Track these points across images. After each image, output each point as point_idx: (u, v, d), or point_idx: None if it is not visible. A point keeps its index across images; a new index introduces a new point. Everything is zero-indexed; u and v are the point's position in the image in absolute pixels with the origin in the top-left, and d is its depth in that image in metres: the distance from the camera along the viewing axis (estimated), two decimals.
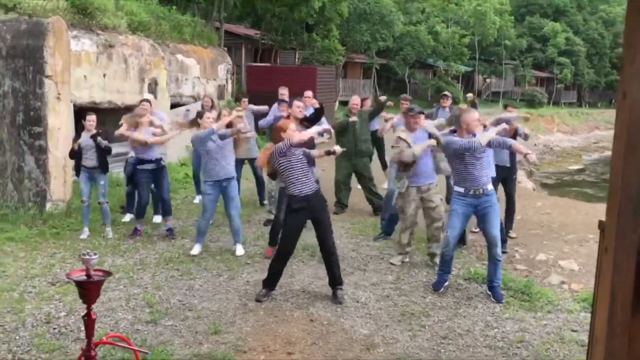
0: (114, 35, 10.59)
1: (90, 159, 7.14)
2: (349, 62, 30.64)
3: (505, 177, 7.26)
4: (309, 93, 8.68)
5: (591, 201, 14.22)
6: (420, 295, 5.62)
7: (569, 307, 5.40)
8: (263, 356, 4.35)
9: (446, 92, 9.51)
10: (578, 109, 47.31)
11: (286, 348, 4.47)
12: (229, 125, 6.91)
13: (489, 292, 5.57)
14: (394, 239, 7.16)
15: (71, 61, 8.59)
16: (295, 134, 5.38)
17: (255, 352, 4.39)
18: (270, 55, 24.83)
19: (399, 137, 6.26)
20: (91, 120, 7.19)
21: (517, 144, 5.74)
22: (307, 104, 7.68)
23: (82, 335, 4.03)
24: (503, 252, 5.97)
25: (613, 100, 51.30)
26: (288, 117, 6.87)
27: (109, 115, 9.83)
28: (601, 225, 2.59)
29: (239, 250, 6.77)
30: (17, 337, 4.53)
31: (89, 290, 3.41)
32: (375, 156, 9.76)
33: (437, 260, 6.18)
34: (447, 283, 5.77)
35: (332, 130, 6.65)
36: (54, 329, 4.70)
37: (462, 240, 6.47)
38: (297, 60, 25.96)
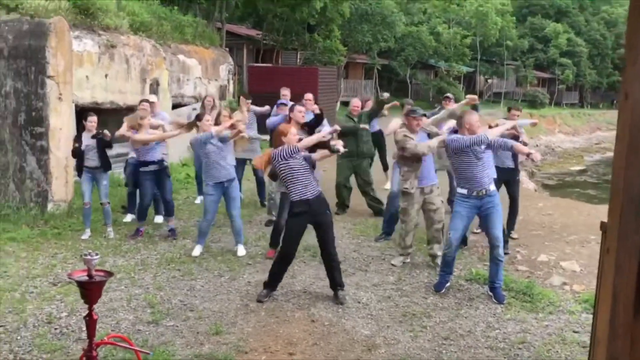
0: (115, 36, 10.59)
1: (92, 160, 7.15)
2: (351, 62, 30.62)
3: (508, 179, 7.25)
4: (309, 96, 8.65)
5: (593, 202, 14.22)
6: (422, 296, 5.61)
7: (570, 308, 5.39)
8: (264, 357, 4.35)
9: (448, 95, 9.51)
10: (580, 109, 47.29)
11: (287, 349, 4.47)
12: (230, 126, 6.92)
13: (491, 293, 5.56)
14: (395, 240, 7.16)
15: (73, 61, 8.60)
16: (296, 138, 5.39)
17: (256, 353, 4.39)
18: (272, 56, 24.83)
19: (406, 135, 6.23)
20: (92, 121, 7.19)
21: (519, 144, 5.73)
22: (307, 107, 7.68)
23: (84, 335, 4.03)
24: (505, 253, 5.96)
25: (615, 101, 51.25)
26: (290, 120, 6.86)
27: (111, 116, 9.84)
28: (603, 226, 2.58)
29: (241, 250, 6.77)
30: (19, 337, 4.53)
31: (90, 290, 3.42)
32: (376, 157, 9.74)
33: (439, 261, 6.18)
34: (448, 284, 5.76)
35: (338, 128, 6.60)
36: (56, 329, 4.70)
37: (463, 241, 6.47)
38: (298, 60, 25.97)
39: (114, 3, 11.56)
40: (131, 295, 5.45)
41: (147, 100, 7.88)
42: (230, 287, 5.75)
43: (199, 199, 9.26)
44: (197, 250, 6.73)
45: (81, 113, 8.15)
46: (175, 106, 12.47)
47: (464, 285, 5.93)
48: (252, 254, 6.78)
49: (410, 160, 6.25)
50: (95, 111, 7.82)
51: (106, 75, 10.25)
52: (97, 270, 3.44)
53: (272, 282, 5.47)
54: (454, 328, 4.91)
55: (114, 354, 4.25)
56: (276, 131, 5.59)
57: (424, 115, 6.56)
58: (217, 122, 7.21)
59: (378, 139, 9.76)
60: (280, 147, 5.31)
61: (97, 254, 3.42)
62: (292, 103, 7.74)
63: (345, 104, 20.72)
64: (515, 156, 7.12)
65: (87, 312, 3.44)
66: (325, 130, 6.12)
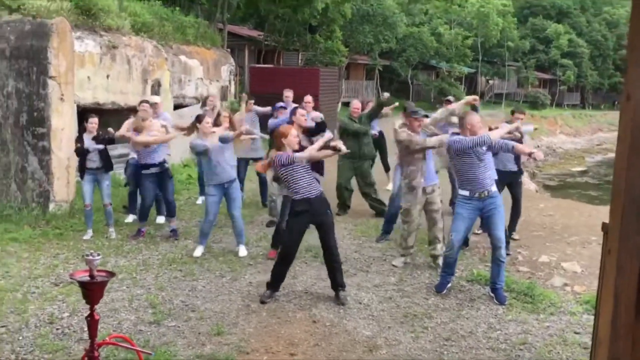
0: (117, 36, 10.60)
1: (93, 161, 7.15)
2: (352, 63, 30.63)
3: (511, 181, 7.24)
4: (308, 99, 8.66)
5: (594, 203, 14.21)
6: (423, 297, 5.61)
7: (571, 309, 5.39)
8: (266, 357, 4.35)
9: (449, 97, 9.49)
10: (581, 110, 47.27)
11: (289, 349, 4.47)
12: (231, 125, 6.92)
13: (492, 294, 5.56)
14: (396, 240, 7.15)
15: (75, 62, 8.61)
16: (296, 140, 5.39)
17: (258, 353, 4.39)
18: (274, 57, 24.84)
19: (409, 134, 6.22)
20: (93, 122, 7.19)
21: (520, 145, 5.73)
22: (307, 109, 7.68)
23: (85, 335, 4.03)
24: (506, 254, 5.96)
25: (616, 102, 51.19)
26: (292, 123, 6.85)
27: (113, 116, 9.84)
28: (605, 227, 2.58)
29: (242, 251, 6.78)
30: (21, 338, 4.54)
31: (92, 290, 3.42)
32: (377, 158, 9.74)
33: (440, 261, 6.18)
34: (449, 285, 5.76)
35: (332, 136, 6.59)
36: (57, 329, 4.71)
37: (464, 241, 6.46)
38: (300, 61, 25.97)
39: (116, 4, 11.56)
40: (133, 295, 5.46)
41: (146, 101, 7.87)
42: (232, 287, 5.75)
43: (200, 200, 9.27)
44: (198, 251, 6.74)
45: (83, 113, 8.16)
46: (176, 107, 12.47)
47: (466, 286, 5.93)
48: (253, 255, 6.78)
49: (415, 158, 6.23)
50: (97, 112, 7.84)
51: (108, 76, 10.26)
52: (98, 271, 3.45)
53: (275, 283, 5.48)
54: (455, 329, 4.91)
55: (116, 354, 4.26)
56: (276, 132, 5.58)
57: (426, 116, 6.55)
58: (216, 123, 7.21)
59: (378, 140, 9.75)
60: (278, 156, 5.30)
61: (98, 254, 3.42)
62: (294, 105, 7.72)
63: (347, 104, 20.73)
64: (517, 159, 7.12)
65: (88, 312, 3.44)
66: (324, 139, 6.10)
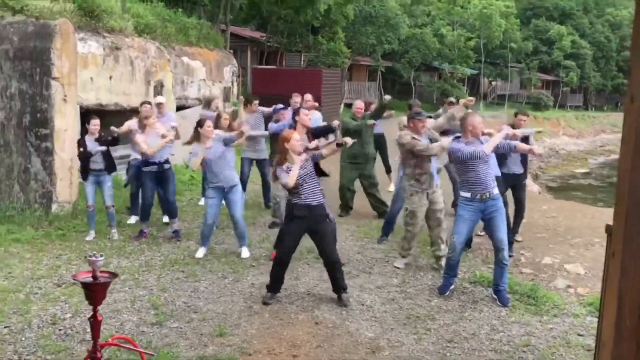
0: (120, 38, 10.62)
1: (95, 162, 7.16)
2: (355, 64, 30.64)
3: (515, 183, 7.22)
4: (308, 97, 8.67)
5: (597, 205, 14.19)
6: (426, 299, 5.61)
7: (575, 311, 5.38)
8: (268, 358, 4.35)
9: (452, 99, 9.47)
10: (584, 112, 47.23)
11: (291, 351, 4.46)
12: (231, 128, 6.93)
13: (495, 296, 5.55)
14: (398, 242, 7.13)
15: (78, 63, 8.63)
16: (299, 144, 5.39)
17: (260, 355, 4.39)
18: (276, 58, 24.88)
19: (414, 138, 6.21)
20: (95, 124, 7.19)
21: (521, 144, 5.72)
22: (308, 107, 7.68)
23: (88, 336, 4.04)
24: (509, 256, 5.95)
25: (619, 104, 51.14)
26: (295, 125, 6.84)
27: (115, 117, 9.85)
28: (608, 229, 2.57)
29: (244, 252, 6.78)
30: (23, 338, 4.54)
31: (94, 291, 3.42)
32: (378, 159, 9.73)
33: (443, 263, 6.17)
34: (452, 286, 5.75)
35: (338, 131, 6.60)
36: (60, 330, 4.71)
37: (467, 243, 6.45)
38: (302, 62, 25.99)
39: (119, 5, 11.58)
40: (135, 296, 5.46)
41: (148, 102, 7.91)
42: (234, 288, 5.75)
43: (202, 201, 9.27)
44: (200, 252, 6.73)
45: (85, 115, 8.18)
46: (179, 108, 12.48)
47: (468, 287, 5.92)
48: (255, 256, 6.78)
49: (423, 162, 6.22)
50: (100, 113, 7.85)
51: (110, 77, 10.27)
52: (101, 272, 3.45)
53: (274, 285, 5.47)
54: (458, 331, 4.90)
55: (118, 355, 4.26)
56: (279, 137, 5.57)
57: (429, 117, 6.56)
58: (216, 125, 7.22)
59: (379, 141, 9.75)
60: (279, 166, 5.30)
61: (101, 255, 3.43)
62: (297, 106, 7.73)
63: (349, 105, 20.73)
64: (524, 161, 7.11)
65: (91, 313, 3.45)
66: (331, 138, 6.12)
